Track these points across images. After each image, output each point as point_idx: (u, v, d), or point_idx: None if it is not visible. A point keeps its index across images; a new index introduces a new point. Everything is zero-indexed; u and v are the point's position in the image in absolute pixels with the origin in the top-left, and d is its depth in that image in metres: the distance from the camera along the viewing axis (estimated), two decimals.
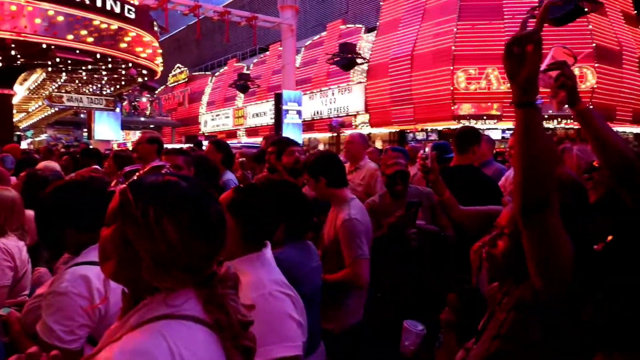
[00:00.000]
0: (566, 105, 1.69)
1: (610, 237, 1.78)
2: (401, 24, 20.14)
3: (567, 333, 1.28)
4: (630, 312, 1.62)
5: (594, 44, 17.15)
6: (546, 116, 17.61)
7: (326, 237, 2.69)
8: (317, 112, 23.40)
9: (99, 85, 18.11)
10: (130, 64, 13.81)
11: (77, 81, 17.05)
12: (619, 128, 18.81)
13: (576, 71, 17.20)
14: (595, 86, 17.22)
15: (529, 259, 1.27)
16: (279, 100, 17.85)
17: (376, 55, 20.62)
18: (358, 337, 2.67)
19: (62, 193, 1.69)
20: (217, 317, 0.94)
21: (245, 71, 26.40)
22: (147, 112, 30.01)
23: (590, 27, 17.26)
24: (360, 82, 21.37)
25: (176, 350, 0.86)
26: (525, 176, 1.20)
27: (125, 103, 26.26)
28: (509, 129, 17.58)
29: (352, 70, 19.65)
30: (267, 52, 28.29)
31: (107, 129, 21.42)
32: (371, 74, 20.86)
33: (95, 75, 15.90)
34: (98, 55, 12.53)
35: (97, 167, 4.45)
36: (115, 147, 20.18)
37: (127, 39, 12.85)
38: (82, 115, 25.07)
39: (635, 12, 20.77)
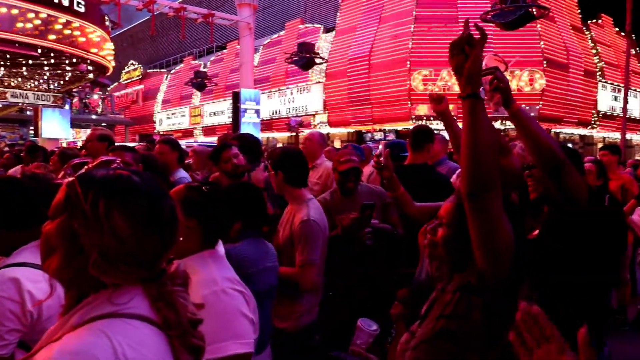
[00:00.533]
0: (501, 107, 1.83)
1: (536, 232, 1.93)
2: (358, 29, 20.37)
3: (507, 313, 1.34)
4: (559, 298, 1.74)
5: (543, 52, 17.91)
6: (496, 114, 18.20)
7: (281, 235, 2.67)
8: (276, 112, 23.29)
9: (43, 81, 17.32)
10: (79, 59, 13.31)
11: (19, 78, 16.27)
12: (566, 130, 19.72)
13: (526, 75, 18.09)
14: (544, 88, 17.99)
15: (474, 242, 1.36)
16: (236, 99, 17.65)
17: (334, 57, 20.75)
18: (312, 336, 2.67)
19: None
20: (166, 315, 0.92)
21: (202, 69, 25.96)
22: (99, 110, 28.98)
23: (542, 44, 18.01)
24: (319, 82, 21.43)
25: (120, 350, 0.82)
26: (471, 161, 1.29)
27: (75, 100, 25.27)
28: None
29: (311, 70, 19.68)
30: (225, 50, 27.92)
31: (55, 127, 20.51)
32: (329, 75, 20.98)
33: (39, 71, 15.23)
34: (39, 50, 12.00)
35: (42, 163, 4.26)
36: (65, 145, 19.39)
37: (76, 33, 12.37)
38: (28, 113, 23.91)
39: (582, 22, 21.85)
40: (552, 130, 18.61)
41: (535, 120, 1.87)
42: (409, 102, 18.29)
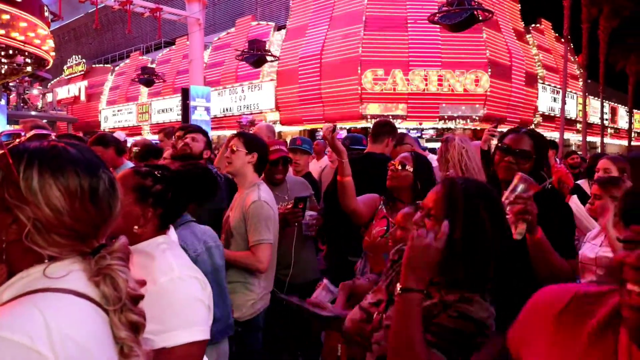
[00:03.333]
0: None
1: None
2: (309, 28, 20.46)
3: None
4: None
5: (488, 57, 18.61)
6: (446, 116, 18.81)
7: (232, 218, 2.65)
8: (227, 109, 23.01)
9: None
10: (15, 51, 12.64)
11: None
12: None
13: (472, 75, 18.70)
14: (488, 92, 18.71)
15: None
16: (186, 96, 17.29)
17: (286, 55, 20.72)
18: (263, 323, 2.68)
19: None
20: (104, 290, 0.90)
21: (149, 65, 25.23)
22: (39, 106, 27.58)
23: (487, 48, 18.70)
24: (272, 80, 21.34)
25: (54, 326, 0.80)
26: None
27: (12, 95, 23.94)
28: (414, 129, 18.57)
29: (262, 68, 19.57)
30: (174, 47, 27.29)
31: None
32: (281, 75, 20.96)
33: None
34: None
35: None
36: None
37: (13, 22, 11.75)
38: None
39: (524, 28, 22.85)
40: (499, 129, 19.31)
41: (554, 252, 1.89)
42: (360, 101, 18.56)
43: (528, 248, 1.86)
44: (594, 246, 2.72)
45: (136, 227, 1.53)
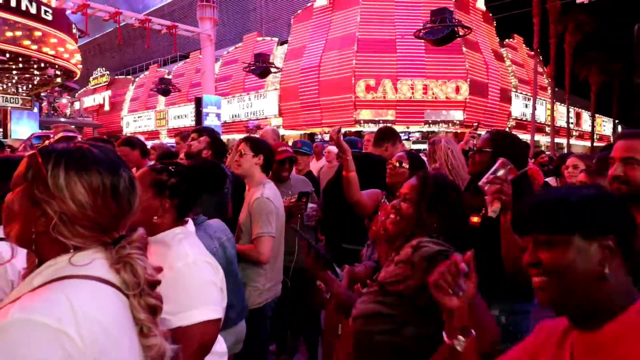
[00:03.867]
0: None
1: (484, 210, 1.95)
2: (308, 45, 20.42)
3: None
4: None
5: (467, 71, 18.65)
6: (430, 121, 18.82)
7: (242, 216, 2.63)
8: (235, 115, 22.97)
9: (11, 84, 16.26)
10: (47, 64, 12.60)
11: None
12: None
13: (453, 85, 18.75)
14: (468, 100, 18.74)
15: None
16: (199, 103, 17.28)
17: (288, 68, 20.70)
18: (272, 312, 2.65)
19: None
20: (124, 277, 0.88)
21: (166, 76, 25.17)
22: (68, 113, 27.50)
23: (467, 65, 18.74)
24: (276, 89, 21.31)
25: (79, 309, 0.78)
26: None
27: (44, 104, 23.85)
28: (402, 132, 18.53)
29: (267, 78, 19.56)
30: (188, 59, 27.22)
31: (24, 129, 19.33)
32: (284, 84, 20.94)
33: (25, 75, 14.31)
34: (7, 55, 11.29)
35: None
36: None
37: (44, 39, 11.71)
38: None
39: (499, 43, 22.85)
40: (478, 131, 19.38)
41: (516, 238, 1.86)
42: (354, 108, 18.58)
43: (500, 228, 1.83)
44: None
45: (155, 217, 1.53)
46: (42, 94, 20.08)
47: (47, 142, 1.38)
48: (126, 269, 0.89)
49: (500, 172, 1.76)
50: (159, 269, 0.98)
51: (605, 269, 0.87)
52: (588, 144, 33.49)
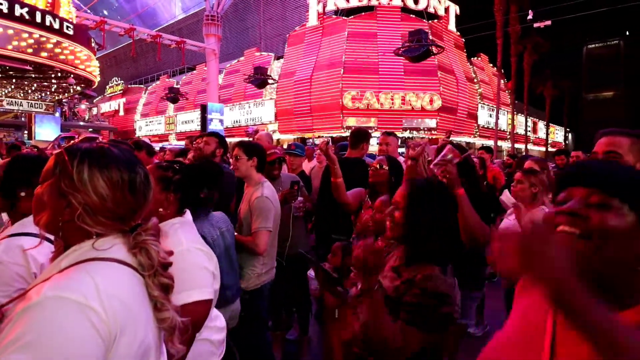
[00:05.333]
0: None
1: None
2: (301, 59, 20.36)
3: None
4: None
5: (441, 101, 18.77)
6: (408, 128, 18.91)
7: (242, 211, 2.63)
8: (236, 121, 22.84)
9: (31, 91, 15.97)
10: (68, 74, 12.40)
11: (21, 88, 14.91)
12: (456, 138, 20.75)
13: (427, 97, 18.85)
14: (440, 105, 18.88)
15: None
16: (204, 110, 17.13)
17: (283, 79, 20.63)
18: (268, 293, 2.65)
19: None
20: (140, 259, 0.89)
21: (175, 86, 24.92)
22: (86, 118, 27.08)
23: (440, 88, 18.86)
24: (272, 99, 21.24)
25: (102, 287, 0.79)
26: None
27: (65, 109, 23.44)
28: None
29: (265, 89, 19.48)
30: (195, 71, 26.98)
31: (47, 131, 18.97)
32: (279, 94, 20.88)
33: (44, 83, 14.04)
34: (32, 66, 11.10)
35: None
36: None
37: (65, 51, 11.53)
38: (22, 119, 21.90)
39: (468, 60, 23.00)
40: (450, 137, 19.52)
41: (473, 211, 1.97)
42: (341, 115, 18.61)
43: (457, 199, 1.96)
44: (509, 220, 2.85)
45: (161, 209, 1.52)
46: (63, 101, 19.74)
47: (72, 142, 1.37)
48: (142, 253, 0.89)
49: (449, 157, 1.95)
50: (170, 253, 0.99)
51: None
52: (543, 149, 33.99)
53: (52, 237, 1.45)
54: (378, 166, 2.48)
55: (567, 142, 42.90)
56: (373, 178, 2.50)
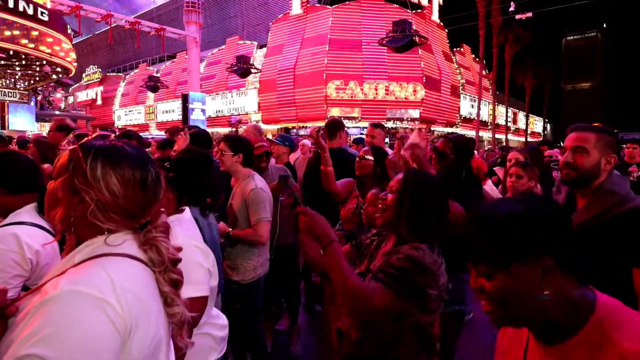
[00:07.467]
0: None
1: None
2: (285, 47, 20.20)
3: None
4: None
5: (423, 71, 18.91)
6: (392, 118, 19.03)
7: (235, 205, 2.62)
8: (219, 111, 22.54)
9: (12, 80, 15.38)
10: (44, 62, 11.98)
11: None
12: (438, 128, 21.03)
13: (411, 87, 18.99)
14: (424, 99, 19.03)
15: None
16: (185, 100, 16.84)
17: (266, 68, 20.41)
18: (262, 286, 2.67)
19: None
20: (151, 256, 0.91)
21: (155, 74, 24.33)
22: (62, 106, 26.23)
23: (422, 64, 18.97)
24: (256, 88, 21.00)
25: (116, 281, 0.81)
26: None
27: (40, 97, 22.65)
28: (365, 127, 18.71)
29: (247, 78, 19.24)
30: (175, 59, 26.39)
31: (21, 121, 18.30)
32: (262, 84, 20.67)
33: (9, 70, 13.51)
34: (11, 52, 10.67)
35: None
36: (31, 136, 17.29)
37: (42, 38, 11.11)
38: None
39: (450, 49, 23.20)
40: (431, 128, 19.82)
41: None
42: (325, 105, 18.56)
43: None
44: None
45: (162, 209, 1.53)
46: (38, 89, 19.06)
47: (84, 139, 1.37)
48: (152, 249, 0.91)
49: (416, 140, 2.08)
50: (179, 249, 1.01)
51: (545, 290, 0.77)
52: (523, 139, 34.74)
53: (44, 225, 1.47)
54: (363, 156, 2.53)
55: (545, 132, 43.92)
56: (359, 170, 2.54)
